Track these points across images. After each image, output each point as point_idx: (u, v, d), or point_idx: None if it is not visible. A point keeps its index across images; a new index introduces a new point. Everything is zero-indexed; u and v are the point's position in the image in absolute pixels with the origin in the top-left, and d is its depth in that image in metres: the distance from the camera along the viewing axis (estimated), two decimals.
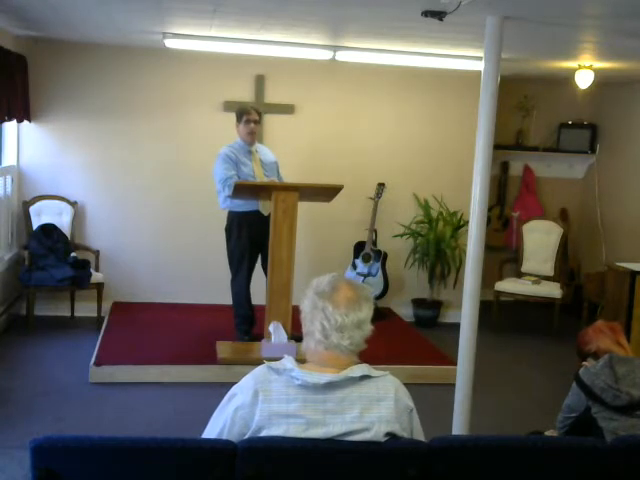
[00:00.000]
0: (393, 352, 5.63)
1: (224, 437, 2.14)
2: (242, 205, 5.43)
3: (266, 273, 5.40)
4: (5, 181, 6.14)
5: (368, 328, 2.17)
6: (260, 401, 2.08)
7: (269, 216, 5.24)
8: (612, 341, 2.88)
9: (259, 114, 5.54)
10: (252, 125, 5.43)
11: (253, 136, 5.49)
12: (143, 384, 5.01)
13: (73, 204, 6.44)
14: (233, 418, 2.12)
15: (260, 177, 5.47)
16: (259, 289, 5.77)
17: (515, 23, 3.98)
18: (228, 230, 5.58)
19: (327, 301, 2.13)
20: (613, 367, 2.71)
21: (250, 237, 5.48)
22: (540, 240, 7.10)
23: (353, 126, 6.84)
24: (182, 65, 6.48)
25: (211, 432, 2.20)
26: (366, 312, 2.16)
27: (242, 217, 5.48)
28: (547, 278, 6.97)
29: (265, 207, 5.40)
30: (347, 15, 4.48)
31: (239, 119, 5.48)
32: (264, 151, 5.68)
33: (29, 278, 5.86)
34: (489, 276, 6.18)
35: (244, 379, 2.18)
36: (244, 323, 5.65)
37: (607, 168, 7.47)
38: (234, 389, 2.18)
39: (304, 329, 2.20)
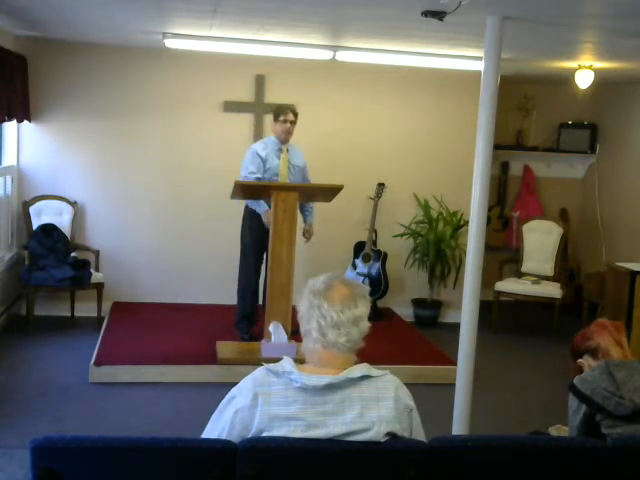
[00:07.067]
0: (393, 352, 5.63)
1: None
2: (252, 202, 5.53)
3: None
4: (5, 181, 6.14)
5: (365, 325, 2.17)
6: (260, 404, 2.08)
7: None
8: (613, 340, 2.80)
9: (296, 115, 5.65)
10: (288, 125, 5.57)
11: (288, 135, 5.62)
12: (143, 384, 5.01)
13: (73, 204, 6.44)
14: (233, 421, 2.12)
15: (284, 177, 5.58)
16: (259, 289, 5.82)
17: (515, 23, 3.98)
18: (244, 219, 5.70)
19: (322, 299, 2.13)
20: (612, 373, 2.62)
21: (260, 231, 5.51)
22: (540, 240, 7.09)
23: (353, 126, 6.85)
24: (182, 65, 6.48)
25: (210, 434, 2.20)
26: (362, 309, 2.16)
27: (254, 214, 5.55)
28: (547, 278, 6.96)
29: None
30: (347, 15, 4.48)
31: (276, 118, 5.62)
32: (295, 153, 5.75)
33: (29, 278, 5.85)
34: (489, 276, 6.18)
35: (243, 381, 2.17)
36: (243, 321, 5.70)
37: (607, 168, 7.47)
38: (233, 391, 2.18)
39: (302, 329, 2.20)
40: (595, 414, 2.62)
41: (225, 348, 5.37)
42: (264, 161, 5.53)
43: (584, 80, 6.04)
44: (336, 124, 6.80)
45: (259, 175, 5.48)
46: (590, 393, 2.63)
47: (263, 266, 5.73)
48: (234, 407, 2.12)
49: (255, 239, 5.59)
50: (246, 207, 5.66)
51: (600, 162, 7.56)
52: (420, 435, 2.23)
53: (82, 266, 6.01)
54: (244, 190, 5.23)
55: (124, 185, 6.59)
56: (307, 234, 5.74)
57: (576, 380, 2.71)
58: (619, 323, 2.88)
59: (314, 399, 2.08)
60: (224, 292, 5.98)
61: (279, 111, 5.62)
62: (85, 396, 4.78)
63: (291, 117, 5.58)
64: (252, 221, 5.58)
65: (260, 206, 5.45)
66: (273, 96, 6.61)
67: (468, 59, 5.88)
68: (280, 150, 5.61)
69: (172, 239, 6.70)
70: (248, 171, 5.49)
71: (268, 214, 5.38)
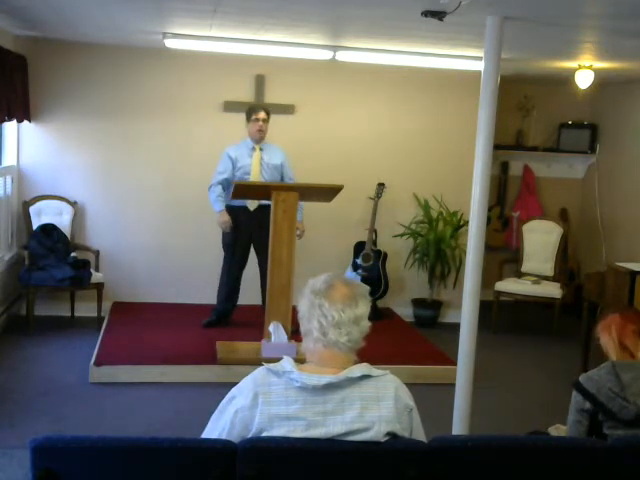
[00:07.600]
0: (393, 352, 5.63)
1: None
2: (230, 200, 5.68)
3: (262, 275, 5.64)
4: (5, 181, 6.14)
5: (366, 325, 2.17)
6: (260, 404, 2.08)
7: (256, 211, 5.55)
8: (612, 342, 2.80)
9: (267, 113, 5.75)
10: (260, 123, 5.69)
11: (261, 134, 5.73)
12: (143, 384, 5.01)
13: (73, 204, 6.44)
14: (233, 420, 2.12)
15: (256, 176, 5.68)
16: (257, 289, 5.84)
17: (515, 23, 3.98)
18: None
19: (323, 298, 2.14)
20: (618, 374, 2.62)
21: (236, 231, 5.75)
22: (540, 240, 7.09)
23: (353, 126, 6.84)
24: (182, 65, 6.48)
25: (210, 434, 2.20)
26: (362, 308, 2.16)
27: (231, 211, 5.75)
28: (547, 278, 6.96)
29: (252, 202, 5.68)
30: (347, 15, 4.48)
31: (248, 118, 5.73)
32: (271, 152, 5.83)
33: (29, 278, 5.85)
34: (489, 276, 6.18)
35: (243, 381, 2.17)
36: (214, 314, 6.02)
37: (607, 168, 7.46)
38: (233, 391, 2.18)
39: (302, 329, 2.21)
40: (598, 413, 2.62)
41: (225, 348, 5.37)
42: (235, 161, 5.70)
43: (584, 80, 6.04)
44: (336, 124, 6.80)
45: (226, 175, 5.69)
46: (595, 392, 2.63)
47: (257, 266, 5.84)
48: (234, 407, 2.12)
49: (236, 237, 5.77)
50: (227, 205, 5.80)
51: (600, 162, 7.56)
52: (420, 435, 2.23)
53: (82, 266, 6.01)
54: (240, 190, 5.25)
55: (124, 185, 6.59)
56: (298, 231, 5.73)
57: (582, 378, 2.73)
58: (629, 325, 2.83)
59: (314, 399, 2.08)
60: None
61: (251, 110, 5.75)
62: (85, 396, 4.78)
63: (262, 115, 5.69)
64: (234, 219, 5.73)
65: (217, 204, 5.66)
66: (273, 96, 6.61)
67: (468, 59, 5.88)
68: (253, 149, 5.73)
69: (172, 239, 6.70)
70: (217, 172, 5.73)
71: (222, 215, 5.65)
